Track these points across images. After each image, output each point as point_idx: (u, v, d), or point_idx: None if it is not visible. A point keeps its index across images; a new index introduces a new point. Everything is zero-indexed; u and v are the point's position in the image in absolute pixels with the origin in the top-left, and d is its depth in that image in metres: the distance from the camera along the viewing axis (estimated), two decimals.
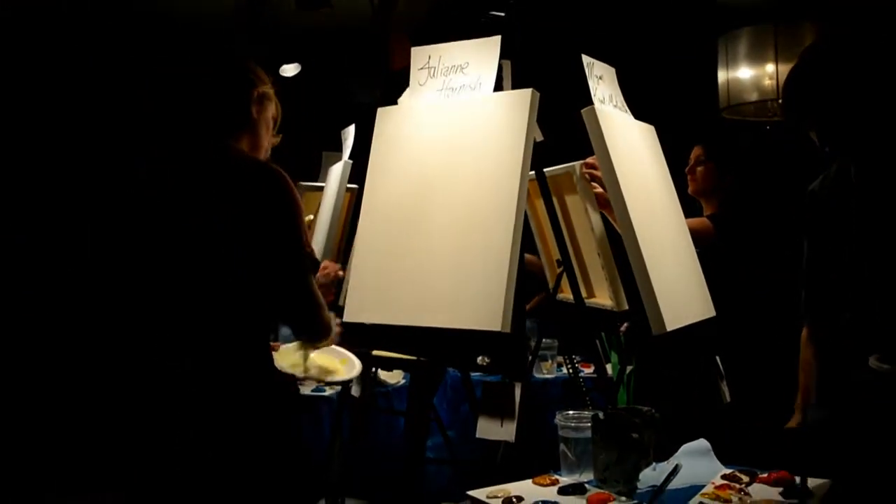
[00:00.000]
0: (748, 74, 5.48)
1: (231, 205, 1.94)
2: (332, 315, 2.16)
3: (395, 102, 2.74)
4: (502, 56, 2.45)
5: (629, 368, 3.21)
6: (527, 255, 2.47)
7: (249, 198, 1.95)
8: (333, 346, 2.55)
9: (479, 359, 2.28)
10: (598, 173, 2.65)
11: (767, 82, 4.98)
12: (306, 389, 3.73)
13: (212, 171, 1.99)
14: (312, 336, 2.16)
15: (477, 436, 2.24)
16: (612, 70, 2.66)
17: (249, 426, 1.95)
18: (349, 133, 3.59)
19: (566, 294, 2.96)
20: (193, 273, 1.94)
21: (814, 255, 2.27)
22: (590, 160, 2.71)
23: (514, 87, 2.50)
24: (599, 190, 2.68)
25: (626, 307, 3.03)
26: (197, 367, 1.92)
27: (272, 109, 2.22)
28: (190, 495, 1.93)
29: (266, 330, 2.06)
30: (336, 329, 2.21)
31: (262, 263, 1.95)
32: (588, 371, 3.76)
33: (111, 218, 2.04)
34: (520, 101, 2.32)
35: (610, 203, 2.40)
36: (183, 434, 1.92)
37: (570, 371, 3.40)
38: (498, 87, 2.43)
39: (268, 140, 2.23)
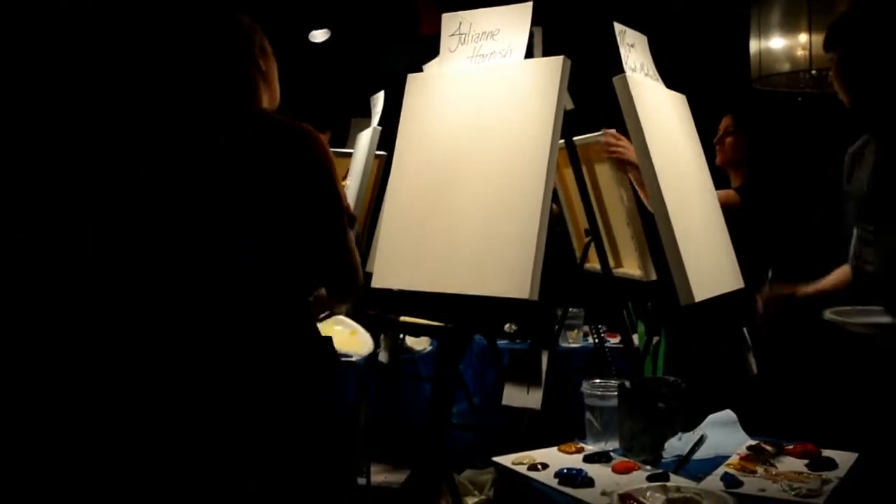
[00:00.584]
0: (781, 44, 5.39)
1: (264, 169, 1.92)
2: None
3: (422, 69, 2.74)
4: (533, 23, 2.43)
5: (655, 339, 3.21)
6: None
7: (282, 160, 1.92)
8: (341, 317, 2.54)
9: (507, 326, 2.29)
10: (618, 145, 2.67)
11: (800, 53, 4.90)
12: None
13: (239, 137, 1.97)
14: (346, 293, 2.13)
15: (503, 403, 2.26)
16: (644, 38, 2.63)
17: (295, 387, 1.94)
18: (378, 99, 3.59)
19: (594, 264, 2.95)
20: (232, 240, 1.91)
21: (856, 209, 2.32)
22: (609, 135, 2.71)
23: (545, 54, 2.49)
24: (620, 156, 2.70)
25: (655, 277, 3.02)
26: (241, 333, 1.90)
27: (265, 42, 2.14)
28: (236, 459, 1.91)
29: (308, 290, 2.05)
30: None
31: (301, 223, 1.93)
32: (614, 341, 3.76)
33: (147, 189, 1.99)
34: (551, 68, 2.31)
35: (640, 173, 2.39)
36: (231, 397, 1.90)
37: (596, 340, 3.41)
38: (529, 54, 2.42)
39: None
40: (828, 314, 2.15)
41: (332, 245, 1.98)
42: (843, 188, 2.37)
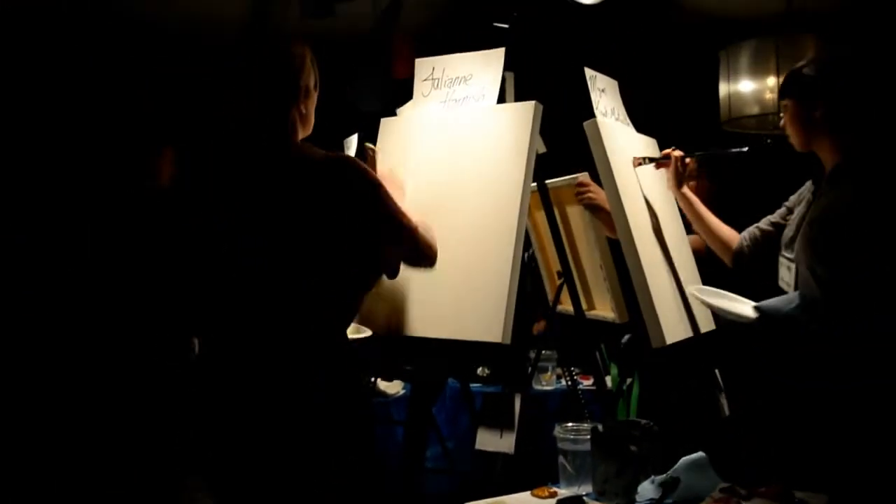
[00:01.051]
0: (750, 87, 5.48)
1: (315, 207, 1.98)
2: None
3: (396, 112, 2.76)
4: (506, 68, 2.46)
5: (628, 381, 3.21)
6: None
7: (331, 197, 1.98)
8: None
9: (480, 370, 2.29)
10: (588, 189, 2.73)
11: (769, 96, 4.99)
12: None
13: (284, 178, 2.02)
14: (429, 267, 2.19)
15: (476, 447, 2.25)
16: (615, 83, 2.67)
17: (334, 392, 1.99)
18: (352, 142, 3.60)
19: (566, 306, 2.96)
20: (288, 269, 1.98)
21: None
22: (580, 180, 2.76)
23: (518, 99, 2.51)
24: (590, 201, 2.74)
25: (627, 319, 3.03)
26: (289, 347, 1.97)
27: (312, 77, 2.16)
28: (273, 460, 1.95)
29: (351, 306, 2.11)
30: None
31: (366, 238, 2.02)
32: (587, 383, 3.76)
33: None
34: (523, 113, 2.34)
35: (611, 217, 2.41)
36: (273, 403, 1.95)
37: (569, 383, 3.41)
38: (501, 99, 2.45)
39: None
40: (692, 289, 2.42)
41: (401, 245, 2.09)
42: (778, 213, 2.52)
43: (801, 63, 2.36)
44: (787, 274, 2.34)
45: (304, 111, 2.11)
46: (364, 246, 2.02)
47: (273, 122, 2.08)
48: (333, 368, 1.98)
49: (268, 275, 1.98)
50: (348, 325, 2.09)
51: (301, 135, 2.13)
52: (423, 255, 2.13)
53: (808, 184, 2.43)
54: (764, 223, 2.54)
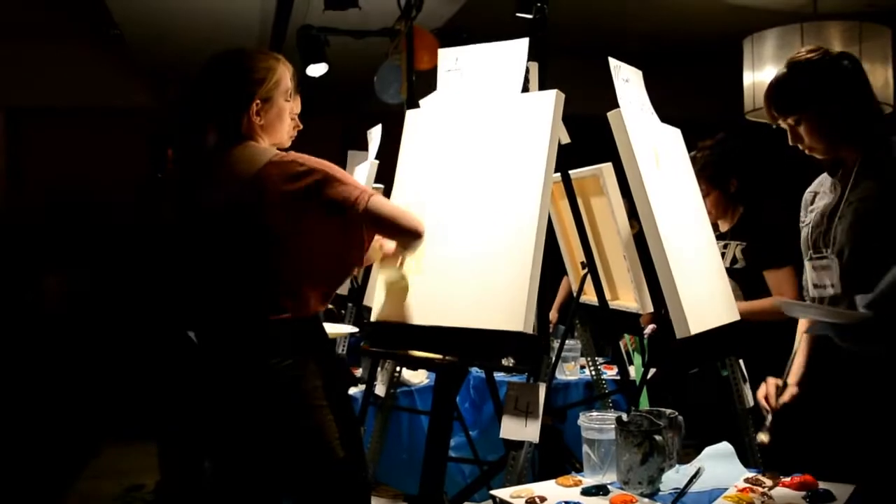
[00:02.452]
0: (774, 76, 5.44)
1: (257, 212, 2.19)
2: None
3: (418, 104, 2.77)
4: (529, 58, 2.46)
5: (651, 371, 3.21)
6: None
7: (279, 190, 2.18)
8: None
9: (505, 360, 2.30)
10: None
11: None
12: None
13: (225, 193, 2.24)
14: (412, 242, 2.36)
15: (501, 436, 2.26)
16: (639, 73, 2.66)
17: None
18: (375, 133, 3.62)
19: (590, 296, 2.97)
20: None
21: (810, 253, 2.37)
22: None
23: (541, 89, 2.51)
24: None
25: (651, 310, 3.03)
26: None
27: (278, 88, 2.34)
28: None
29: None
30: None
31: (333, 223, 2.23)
32: (611, 373, 3.77)
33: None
34: (545, 102, 2.34)
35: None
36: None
37: (593, 373, 3.41)
38: (525, 89, 2.45)
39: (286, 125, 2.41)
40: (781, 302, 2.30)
41: (375, 223, 2.26)
42: (801, 227, 2.44)
43: (779, 77, 2.31)
44: (823, 275, 2.26)
45: (257, 120, 2.29)
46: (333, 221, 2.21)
47: (220, 128, 2.29)
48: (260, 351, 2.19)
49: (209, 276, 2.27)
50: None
51: (264, 142, 2.31)
52: (397, 225, 2.30)
53: (823, 179, 2.40)
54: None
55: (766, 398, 2.33)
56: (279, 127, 2.35)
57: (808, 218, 2.39)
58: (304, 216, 2.17)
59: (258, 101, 2.28)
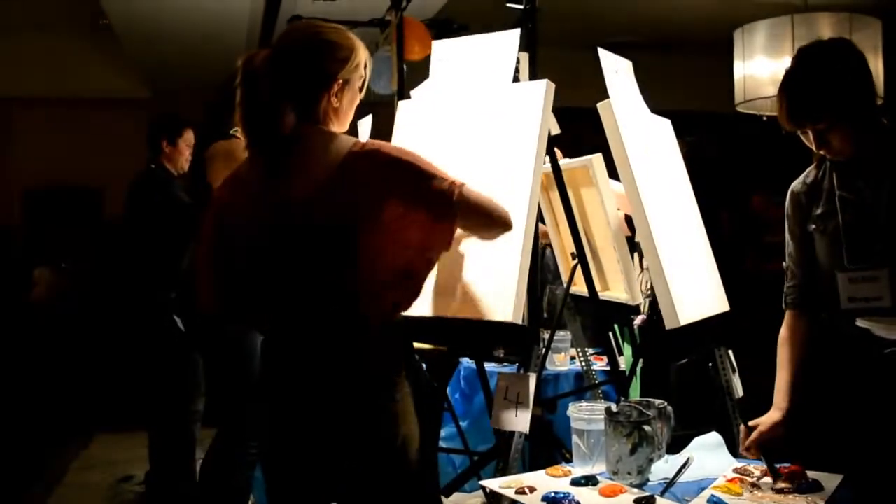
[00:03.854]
0: (765, 67, 5.45)
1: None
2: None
3: (410, 95, 2.76)
4: (520, 49, 2.46)
5: (641, 362, 3.22)
6: None
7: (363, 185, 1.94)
8: None
9: (495, 350, 2.30)
10: None
11: None
12: None
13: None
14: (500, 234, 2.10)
15: (491, 425, 2.26)
16: (630, 64, 2.67)
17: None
18: (366, 124, 3.61)
19: (580, 287, 2.97)
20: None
21: (795, 251, 2.28)
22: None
23: (531, 79, 2.52)
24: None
25: (641, 300, 3.04)
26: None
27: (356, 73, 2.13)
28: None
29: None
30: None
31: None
32: (601, 364, 3.77)
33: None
34: (535, 92, 2.34)
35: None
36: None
37: (583, 363, 3.42)
38: (515, 80, 2.45)
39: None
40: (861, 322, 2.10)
41: (466, 216, 2.03)
42: (794, 227, 2.28)
43: (800, 80, 2.08)
44: (864, 288, 2.07)
45: (334, 102, 2.05)
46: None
47: (297, 109, 2.04)
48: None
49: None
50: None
51: (335, 127, 2.08)
52: (492, 217, 2.05)
53: (814, 177, 2.22)
54: (795, 265, 2.29)
55: (748, 448, 2.17)
56: (349, 114, 2.12)
57: (822, 224, 2.17)
58: (388, 209, 1.93)
59: (339, 82, 2.04)
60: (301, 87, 2.02)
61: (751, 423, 2.18)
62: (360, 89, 2.12)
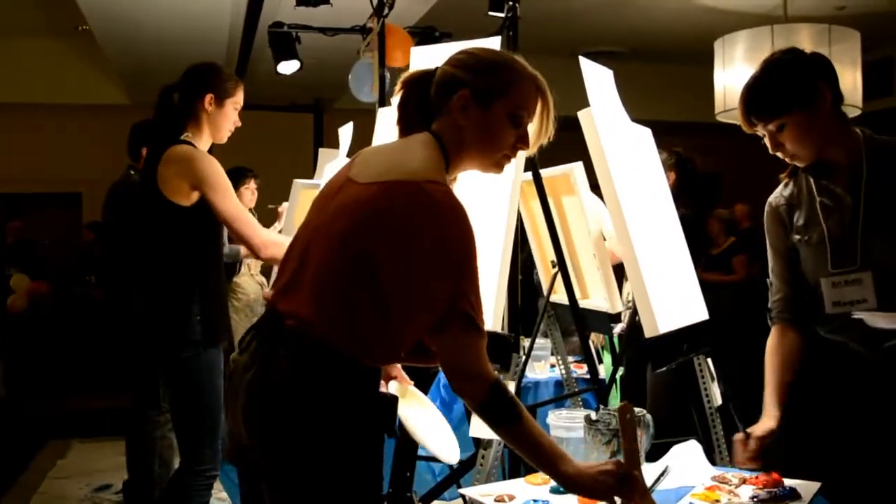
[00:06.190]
0: (745, 77, 5.48)
1: None
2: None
3: (391, 102, 2.76)
4: None
5: (621, 370, 3.23)
6: None
7: None
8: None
9: None
10: None
11: None
12: None
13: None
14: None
15: (471, 434, 2.26)
16: (610, 73, 2.67)
17: None
18: (347, 131, 3.61)
19: (561, 295, 2.97)
20: None
21: (778, 265, 2.27)
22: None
23: None
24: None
25: (621, 309, 3.04)
26: None
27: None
28: None
29: None
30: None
31: None
32: (581, 372, 3.78)
33: None
34: None
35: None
36: None
37: (563, 371, 3.42)
38: None
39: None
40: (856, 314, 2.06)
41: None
42: (775, 240, 2.27)
43: (756, 80, 2.11)
44: (848, 291, 2.08)
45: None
46: None
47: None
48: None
49: None
50: None
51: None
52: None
53: (792, 187, 2.22)
54: (778, 279, 2.26)
55: (742, 460, 2.11)
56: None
57: (805, 234, 2.17)
58: None
59: None
60: None
61: (747, 431, 2.15)
62: None
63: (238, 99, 2.93)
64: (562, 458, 1.66)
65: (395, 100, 1.81)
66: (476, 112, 1.72)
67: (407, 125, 1.80)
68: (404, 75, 1.81)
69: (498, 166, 1.81)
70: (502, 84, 1.73)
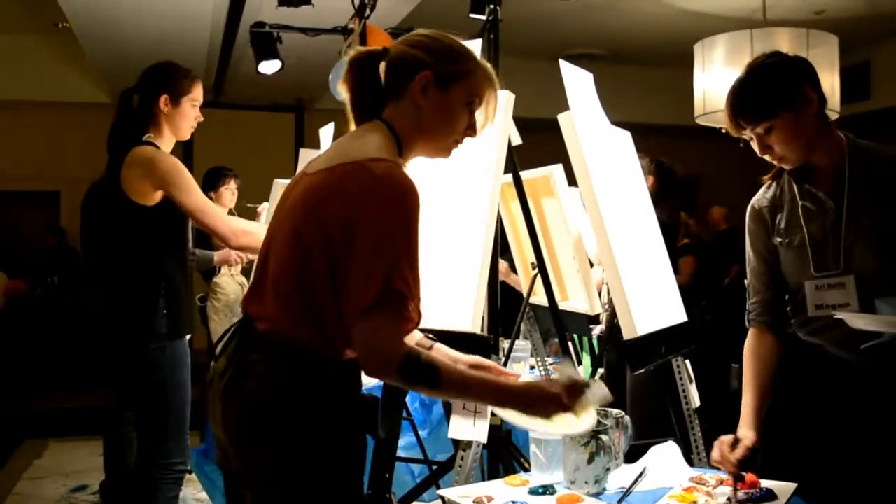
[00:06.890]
0: (724, 81, 5.52)
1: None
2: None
3: None
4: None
5: (600, 371, 3.24)
6: None
7: None
8: None
9: None
10: None
11: None
12: None
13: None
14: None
15: (449, 435, 2.26)
16: (590, 76, 2.68)
17: None
18: (328, 132, 3.60)
19: (540, 297, 2.98)
20: None
21: (758, 267, 2.27)
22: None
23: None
24: None
25: (600, 311, 3.05)
26: None
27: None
28: None
29: None
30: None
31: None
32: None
33: None
34: None
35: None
36: None
37: (543, 373, 3.43)
38: None
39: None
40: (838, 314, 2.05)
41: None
42: (756, 243, 2.27)
43: (743, 84, 2.11)
44: (830, 295, 2.09)
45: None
46: None
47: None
48: None
49: None
50: None
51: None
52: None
53: (775, 189, 2.23)
54: (758, 281, 2.27)
55: (722, 461, 2.07)
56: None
57: (787, 236, 2.18)
58: None
59: None
60: None
61: (737, 437, 2.13)
62: None
63: (195, 95, 2.95)
64: (498, 385, 1.71)
65: (344, 84, 1.82)
66: (435, 94, 1.75)
67: (361, 110, 1.82)
68: (351, 54, 1.83)
69: (447, 151, 1.84)
70: (462, 70, 1.78)
